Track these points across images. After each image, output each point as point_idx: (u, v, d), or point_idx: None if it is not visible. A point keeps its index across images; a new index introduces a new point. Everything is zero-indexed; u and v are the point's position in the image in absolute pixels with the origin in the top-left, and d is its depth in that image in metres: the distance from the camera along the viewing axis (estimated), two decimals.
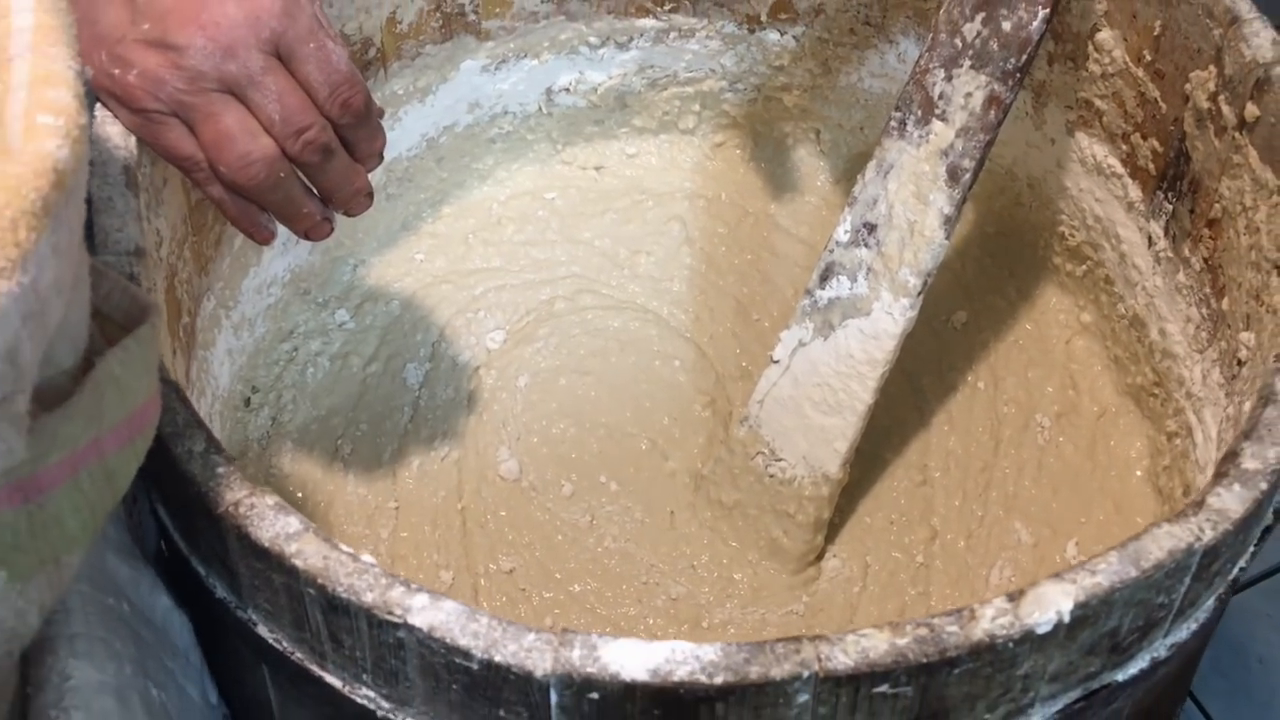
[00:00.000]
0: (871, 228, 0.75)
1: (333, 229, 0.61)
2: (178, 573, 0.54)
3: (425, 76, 0.84)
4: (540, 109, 0.91)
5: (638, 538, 0.78)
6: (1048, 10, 0.72)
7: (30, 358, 0.34)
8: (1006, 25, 0.72)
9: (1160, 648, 0.51)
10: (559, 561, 0.76)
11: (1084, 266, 0.86)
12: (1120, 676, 0.50)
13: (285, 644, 0.50)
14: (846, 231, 0.76)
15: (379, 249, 0.89)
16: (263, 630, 0.50)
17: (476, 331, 0.86)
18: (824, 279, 0.76)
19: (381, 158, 0.60)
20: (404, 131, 0.86)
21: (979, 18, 0.73)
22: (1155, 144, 0.76)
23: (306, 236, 0.60)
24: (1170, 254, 0.77)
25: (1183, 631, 0.51)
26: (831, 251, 0.76)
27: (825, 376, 0.76)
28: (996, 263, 0.91)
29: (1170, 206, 0.76)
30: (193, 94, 0.53)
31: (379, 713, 0.49)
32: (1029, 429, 0.83)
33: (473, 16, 0.83)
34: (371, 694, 0.48)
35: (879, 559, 0.77)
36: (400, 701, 0.48)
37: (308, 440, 0.80)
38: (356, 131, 0.57)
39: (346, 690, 0.49)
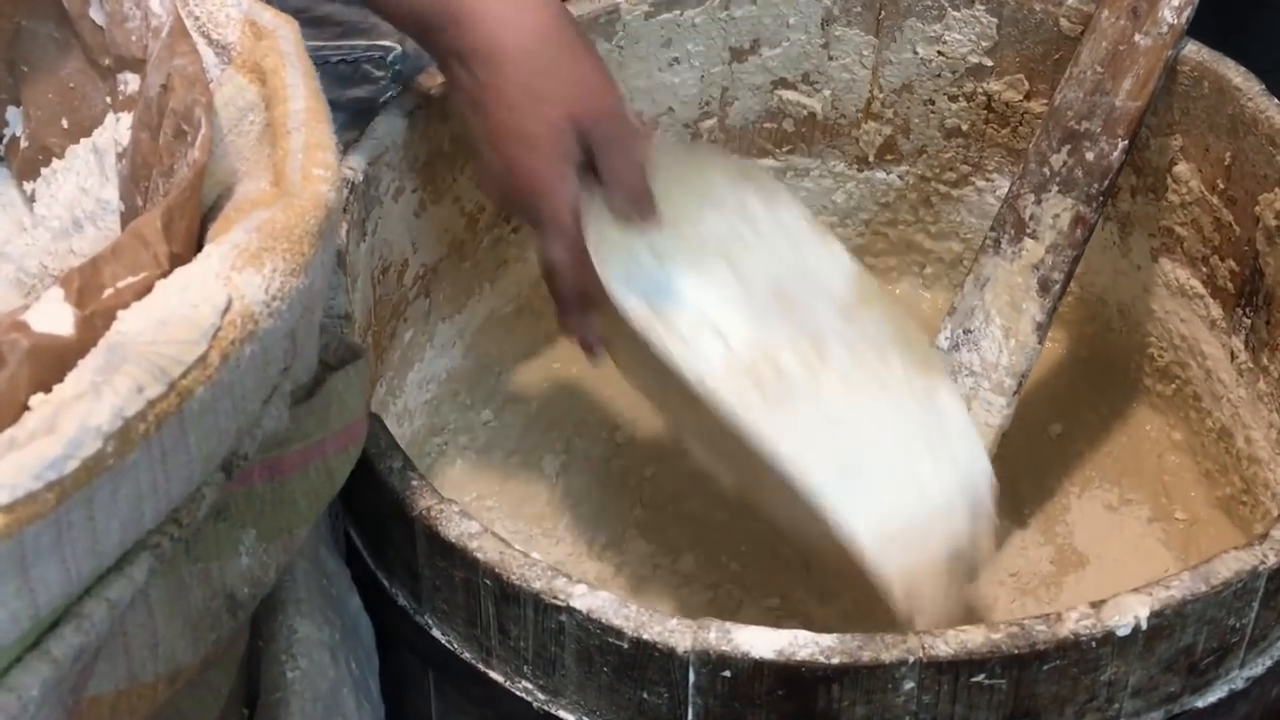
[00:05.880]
0: (969, 333, 0.83)
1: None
2: (361, 586, 0.62)
3: None
4: None
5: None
6: (1127, 141, 0.81)
7: (302, 342, 0.44)
8: (1090, 155, 0.81)
9: (1237, 679, 0.56)
10: None
11: (1173, 385, 0.92)
12: (1200, 703, 0.56)
13: (456, 644, 0.58)
14: (947, 338, 0.84)
15: (522, 358, 0.99)
16: (436, 633, 0.58)
17: (608, 428, 0.95)
18: None
19: None
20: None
21: (1065, 149, 0.82)
22: (1232, 264, 0.83)
23: None
24: (1251, 365, 0.83)
25: (1258, 666, 0.57)
26: None
27: None
28: (1091, 385, 0.97)
29: (1249, 321, 0.83)
30: None
31: (535, 704, 0.56)
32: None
33: None
34: (530, 685, 0.56)
35: None
36: (555, 692, 0.55)
37: None
38: None
39: (507, 684, 0.57)
